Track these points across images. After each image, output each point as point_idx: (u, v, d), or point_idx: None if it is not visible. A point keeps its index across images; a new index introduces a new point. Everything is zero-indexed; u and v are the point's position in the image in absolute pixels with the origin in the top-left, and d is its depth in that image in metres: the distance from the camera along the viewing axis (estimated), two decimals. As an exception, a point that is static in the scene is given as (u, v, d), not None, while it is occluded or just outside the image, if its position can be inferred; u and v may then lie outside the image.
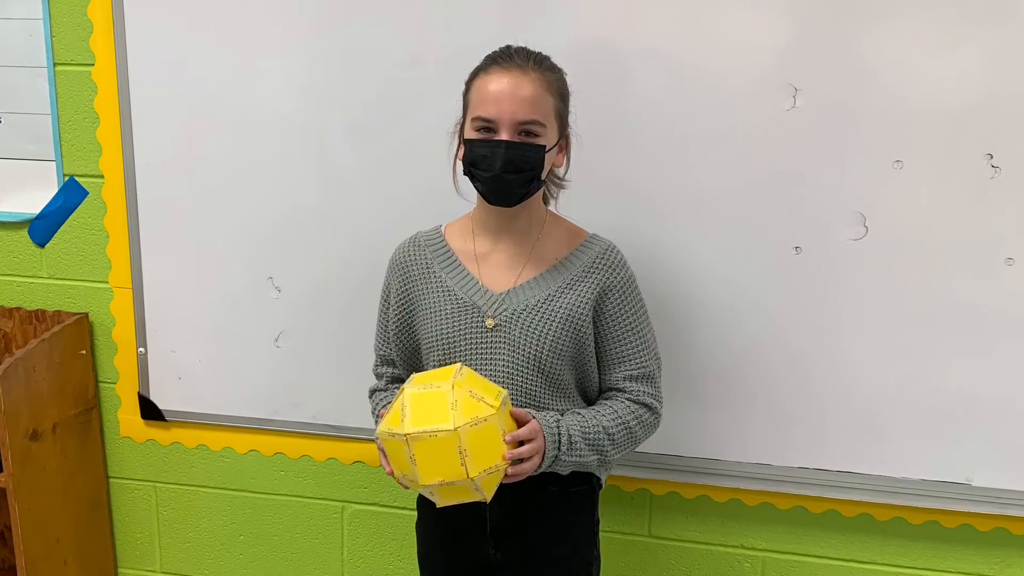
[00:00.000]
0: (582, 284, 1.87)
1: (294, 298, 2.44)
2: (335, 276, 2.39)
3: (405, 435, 1.64)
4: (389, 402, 1.91)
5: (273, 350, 2.48)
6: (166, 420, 2.62)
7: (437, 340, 1.89)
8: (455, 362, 1.83)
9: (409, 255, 1.97)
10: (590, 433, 1.83)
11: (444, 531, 2.00)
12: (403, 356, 2.00)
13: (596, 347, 1.90)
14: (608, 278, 1.88)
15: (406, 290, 1.95)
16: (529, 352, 1.84)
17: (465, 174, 1.84)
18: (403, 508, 2.56)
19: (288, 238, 2.40)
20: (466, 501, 1.72)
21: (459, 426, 1.62)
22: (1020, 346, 2.12)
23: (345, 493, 2.60)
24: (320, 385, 2.48)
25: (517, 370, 1.85)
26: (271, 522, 2.67)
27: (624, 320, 1.89)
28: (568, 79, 1.86)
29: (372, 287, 2.08)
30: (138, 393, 2.61)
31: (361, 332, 2.20)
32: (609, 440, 1.85)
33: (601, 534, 2.05)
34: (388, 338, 2.01)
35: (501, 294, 1.87)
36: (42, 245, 2.59)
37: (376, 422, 1.93)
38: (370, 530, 2.62)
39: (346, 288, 2.37)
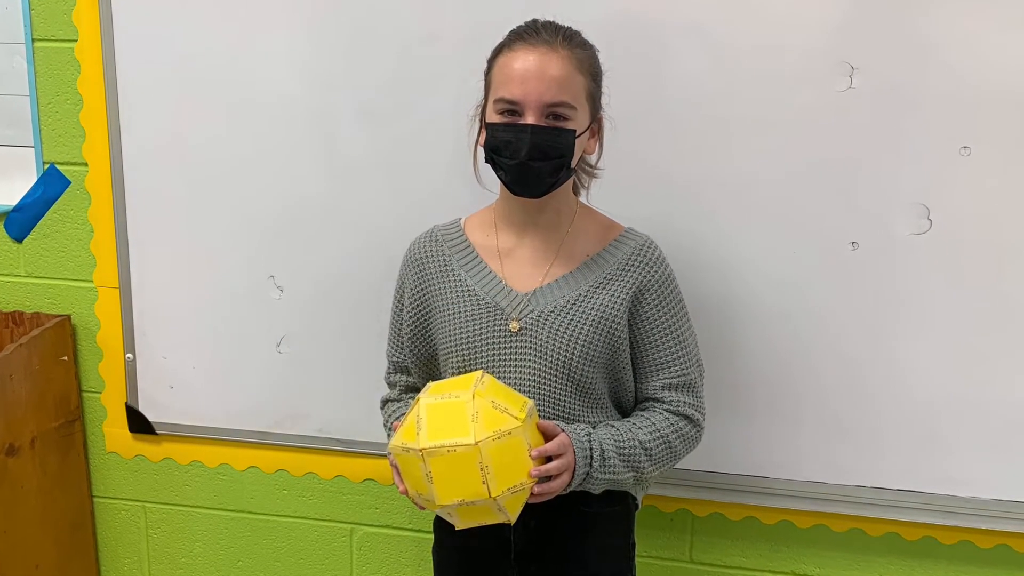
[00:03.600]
0: (616, 283, 1.87)
1: (298, 299, 2.45)
2: (343, 275, 2.40)
3: (421, 450, 1.64)
4: (403, 413, 1.91)
5: (275, 356, 2.49)
6: (156, 433, 2.64)
7: (456, 345, 1.90)
8: (476, 369, 1.83)
9: (425, 251, 1.98)
10: (625, 448, 1.83)
11: (464, 556, 2.01)
12: (418, 363, 2.01)
13: (632, 353, 1.90)
14: (645, 276, 1.88)
15: (422, 290, 1.96)
16: (558, 358, 1.85)
17: (487, 162, 1.85)
18: (418, 531, 2.57)
19: (291, 233, 2.41)
20: (488, 523, 1.72)
21: (480, 440, 1.61)
22: (1101, 351, 2.13)
23: (354, 514, 2.61)
24: (326, 395, 2.49)
25: (544, 378, 1.86)
26: (273, 546, 2.69)
27: (662, 323, 1.89)
28: (600, 57, 1.86)
29: (383, 287, 2.10)
30: (125, 404, 2.63)
31: (371, 336, 2.22)
32: (646, 455, 1.85)
33: (637, 559, 2.06)
34: (402, 343, 2.02)
35: (527, 294, 1.88)
36: (20, 240, 2.61)
37: (388, 436, 1.94)
38: (382, 555, 2.63)
39: (355, 288, 2.39)
